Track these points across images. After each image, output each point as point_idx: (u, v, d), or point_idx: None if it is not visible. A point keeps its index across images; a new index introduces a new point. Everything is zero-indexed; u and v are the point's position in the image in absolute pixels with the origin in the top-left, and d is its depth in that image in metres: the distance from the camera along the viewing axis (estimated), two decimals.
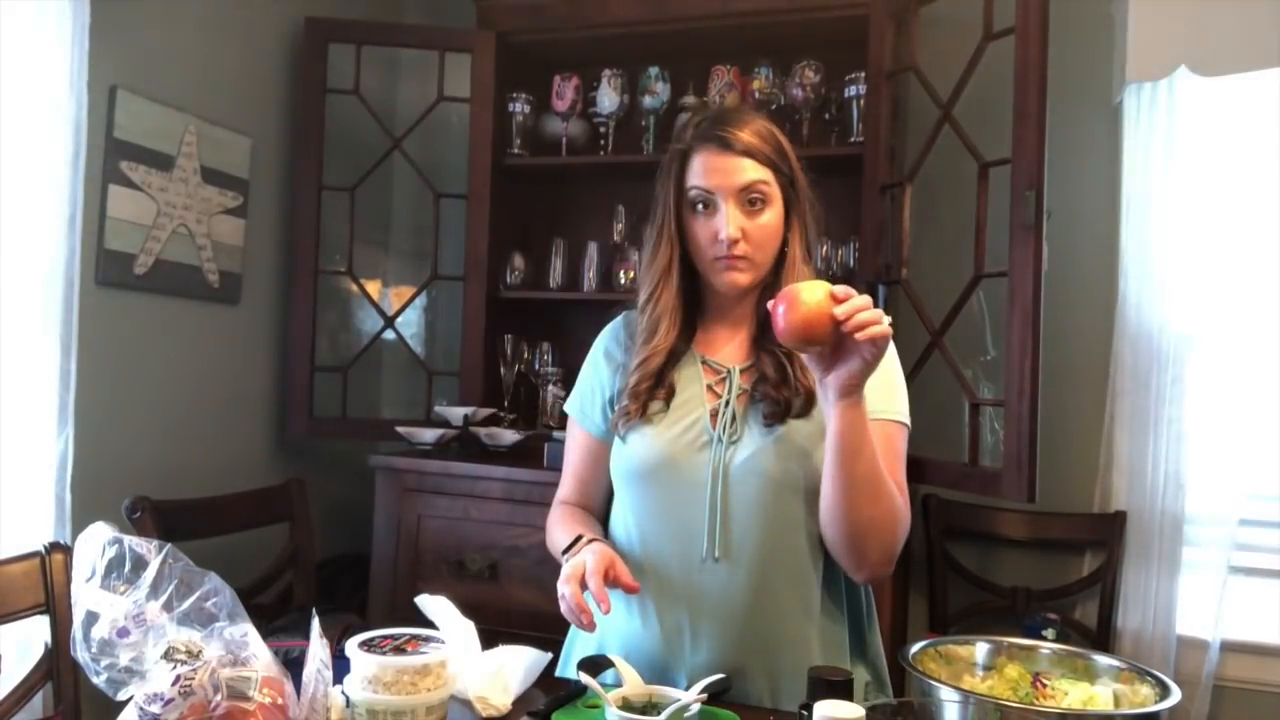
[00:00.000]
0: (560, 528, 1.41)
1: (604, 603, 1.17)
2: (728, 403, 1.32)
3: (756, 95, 2.55)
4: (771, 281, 1.34)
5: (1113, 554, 2.39)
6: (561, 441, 2.41)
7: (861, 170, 2.38)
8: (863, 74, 2.41)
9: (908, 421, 1.35)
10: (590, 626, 1.18)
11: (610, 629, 1.34)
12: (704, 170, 1.30)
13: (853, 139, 2.47)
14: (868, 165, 2.37)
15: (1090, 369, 2.48)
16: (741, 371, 1.34)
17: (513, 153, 2.77)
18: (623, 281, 2.69)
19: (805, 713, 1.01)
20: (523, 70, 2.80)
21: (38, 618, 1.52)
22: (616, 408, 1.37)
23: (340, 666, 1.10)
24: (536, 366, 2.80)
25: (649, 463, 1.32)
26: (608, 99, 2.67)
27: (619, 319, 1.48)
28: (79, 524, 1.94)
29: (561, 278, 2.79)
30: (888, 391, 1.32)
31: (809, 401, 1.29)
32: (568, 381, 2.77)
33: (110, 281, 2.16)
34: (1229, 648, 2.34)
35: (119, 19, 2.12)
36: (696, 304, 1.40)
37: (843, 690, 1.01)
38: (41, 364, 1.91)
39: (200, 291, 2.42)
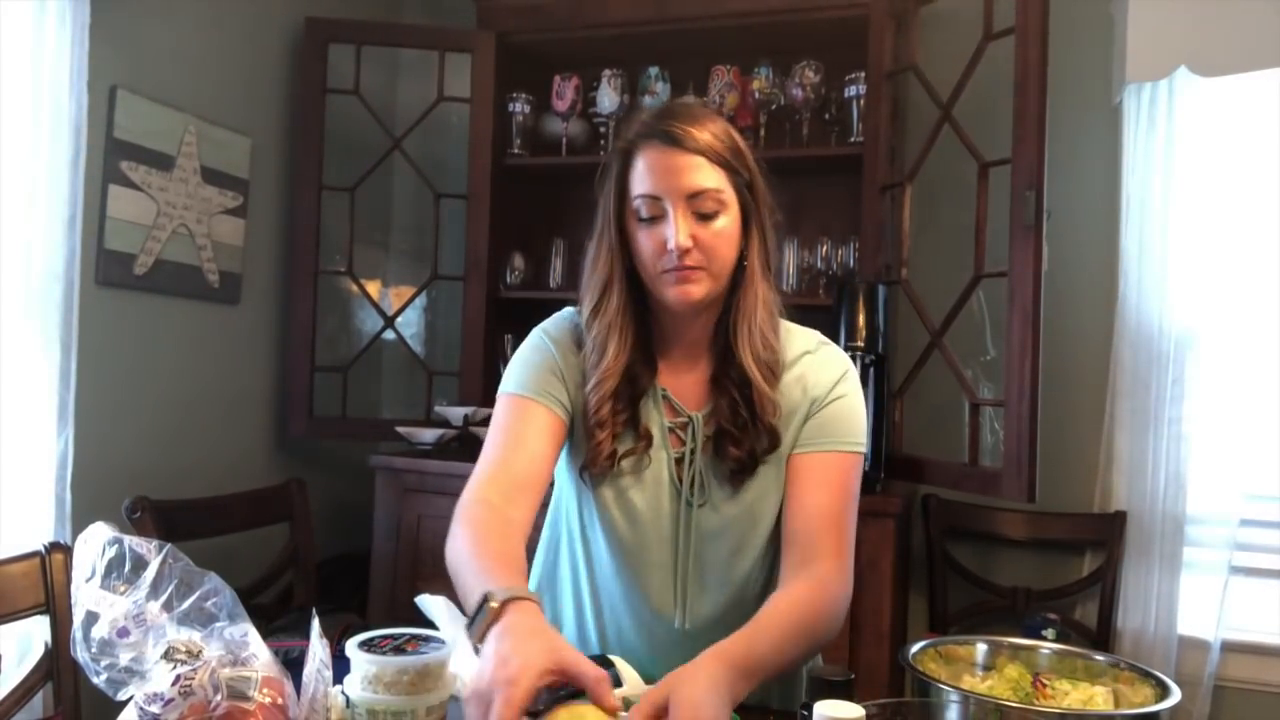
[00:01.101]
0: (473, 558, 1.07)
1: None
2: (694, 452, 1.22)
3: (756, 95, 2.55)
4: (729, 299, 1.21)
5: (1113, 554, 2.39)
6: None
7: (861, 170, 2.38)
8: (863, 74, 2.41)
9: (863, 450, 1.25)
10: None
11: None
12: (649, 171, 1.14)
13: (853, 139, 2.47)
14: (868, 165, 2.37)
15: (1090, 369, 2.48)
16: (704, 418, 1.23)
17: (513, 153, 2.77)
18: None
19: (805, 713, 1.01)
20: (523, 70, 2.80)
21: (38, 618, 1.52)
22: (588, 441, 1.21)
23: (340, 666, 1.10)
24: None
25: (623, 522, 1.23)
26: (608, 99, 2.67)
27: (566, 314, 1.31)
28: (79, 524, 1.94)
29: (561, 278, 2.79)
30: (841, 422, 1.23)
31: (773, 440, 1.20)
32: None
33: (110, 281, 2.16)
34: (1229, 648, 2.33)
35: (119, 19, 2.12)
36: (648, 323, 1.24)
37: (842, 690, 1.01)
38: (41, 364, 1.91)
39: (200, 291, 2.42)
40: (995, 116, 2.12)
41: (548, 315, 1.35)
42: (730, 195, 1.16)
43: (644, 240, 1.16)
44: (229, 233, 2.49)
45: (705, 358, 1.25)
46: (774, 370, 1.21)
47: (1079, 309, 2.49)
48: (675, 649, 1.19)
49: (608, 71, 2.68)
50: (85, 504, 1.94)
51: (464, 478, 2.63)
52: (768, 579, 1.27)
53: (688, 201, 1.13)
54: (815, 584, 1.14)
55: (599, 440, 1.19)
